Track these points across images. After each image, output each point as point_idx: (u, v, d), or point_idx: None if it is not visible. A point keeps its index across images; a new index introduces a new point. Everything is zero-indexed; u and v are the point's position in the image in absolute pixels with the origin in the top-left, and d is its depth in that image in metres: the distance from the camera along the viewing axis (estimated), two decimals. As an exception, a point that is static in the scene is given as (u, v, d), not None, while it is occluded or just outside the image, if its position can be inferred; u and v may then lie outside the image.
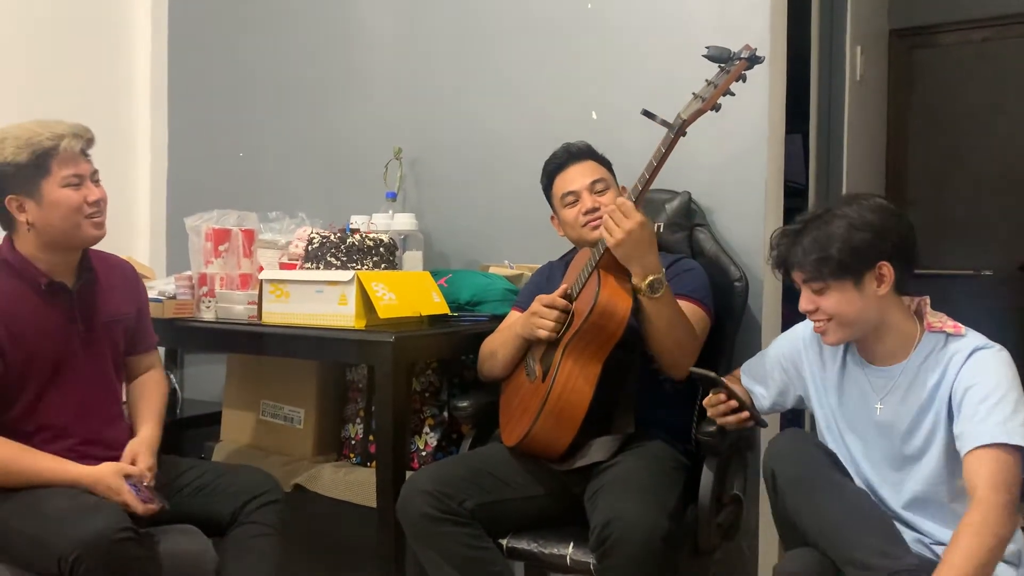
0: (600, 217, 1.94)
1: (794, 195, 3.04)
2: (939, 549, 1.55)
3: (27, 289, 1.79)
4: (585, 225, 2.01)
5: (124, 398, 2.02)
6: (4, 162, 1.75)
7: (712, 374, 1.74)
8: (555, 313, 1.88)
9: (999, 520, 1.41)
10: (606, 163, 2.10)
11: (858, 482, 1.63)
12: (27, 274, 1.79)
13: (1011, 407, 1.47)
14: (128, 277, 2.02)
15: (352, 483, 2.28)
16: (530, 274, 2.38)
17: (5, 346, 1.75)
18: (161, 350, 2.74)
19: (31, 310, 1.79)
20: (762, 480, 1.67)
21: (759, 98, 2.17)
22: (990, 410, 1.48)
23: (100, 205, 1.83)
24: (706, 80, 1.74)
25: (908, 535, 1.56)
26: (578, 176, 2.04)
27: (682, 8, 2.32)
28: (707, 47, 1.72)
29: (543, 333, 1.88)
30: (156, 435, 1.92)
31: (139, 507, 1.73)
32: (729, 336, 2.07)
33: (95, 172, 1.84)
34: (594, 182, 2.03)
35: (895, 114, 3.99)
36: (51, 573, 1.58)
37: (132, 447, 1.85)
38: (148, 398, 2.01)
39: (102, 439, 1.86)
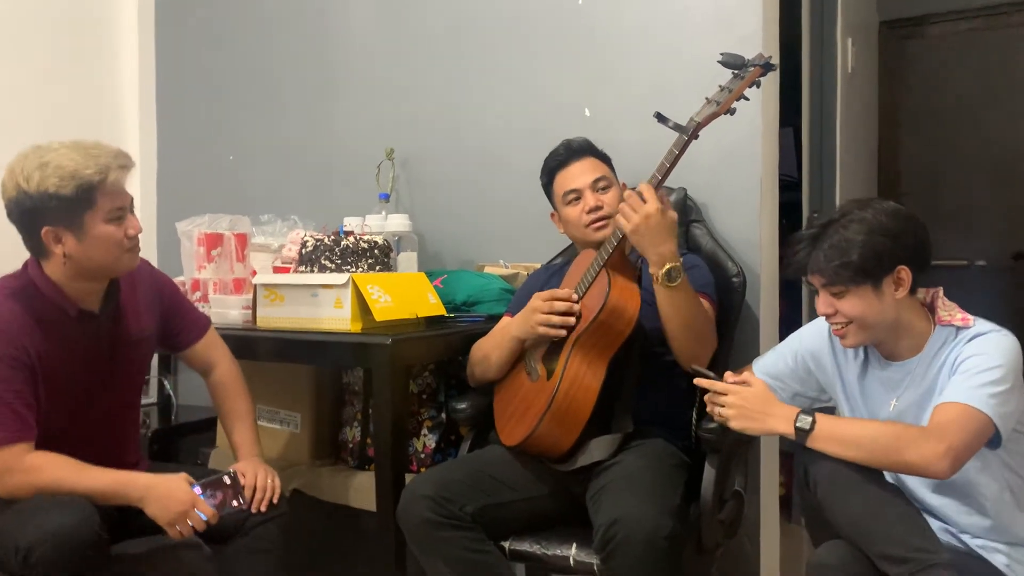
0: (603, 217, 1.93)
1: (788, 189, 3.03)
2: (966, 537, 1.57)
3: (56, 318, 1.73)
4: (588, 225, 2.00)
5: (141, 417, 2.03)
6: (45, 193, 1.62)
7: (710, 373, 1.72)
8: (563, 305, 1.85)
9: (933, 451, 1.44)
10: (606, 159, 2.09)
11: (888, 475, 1.63)
12: (57, 302, 1.73)
13: (996, 377, 1.48)
14: (146, 282, 1.94)
15: (351, 487, 2.27)
16: (526, 273, 2.36)
17: (39, 378, 1.70)
18: (155, 357, 2.74)
19: (61, 339, 1.73)
20: (797, 477, 1.66)
21: (752, 93, 2.15)
22: (974, 375, 1.49)
23: (138, 237, 1.77)
24: (719, 86, 1.74)
25: (935, 524, 1.58)
26: (580, 174, 2.03)
27: (674, 3, 2.30)
28: (721, 54, 1.73)
29: (547, 330, 1.85)
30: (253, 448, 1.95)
31: (207, 512, 1.69)
32: (728, 331, 2.07)
33: (132, 200, 1.77)
34: (596, 180, 2.02)
35: (887, 106, 3.99)
36: (8, 566, 1.53)
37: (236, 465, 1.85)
38: (230, 408, 2.01)
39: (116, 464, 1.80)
